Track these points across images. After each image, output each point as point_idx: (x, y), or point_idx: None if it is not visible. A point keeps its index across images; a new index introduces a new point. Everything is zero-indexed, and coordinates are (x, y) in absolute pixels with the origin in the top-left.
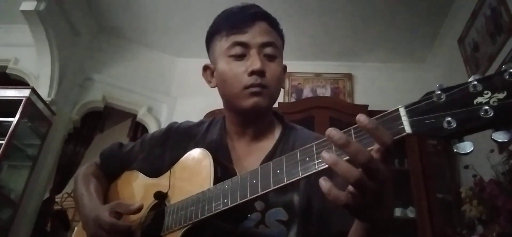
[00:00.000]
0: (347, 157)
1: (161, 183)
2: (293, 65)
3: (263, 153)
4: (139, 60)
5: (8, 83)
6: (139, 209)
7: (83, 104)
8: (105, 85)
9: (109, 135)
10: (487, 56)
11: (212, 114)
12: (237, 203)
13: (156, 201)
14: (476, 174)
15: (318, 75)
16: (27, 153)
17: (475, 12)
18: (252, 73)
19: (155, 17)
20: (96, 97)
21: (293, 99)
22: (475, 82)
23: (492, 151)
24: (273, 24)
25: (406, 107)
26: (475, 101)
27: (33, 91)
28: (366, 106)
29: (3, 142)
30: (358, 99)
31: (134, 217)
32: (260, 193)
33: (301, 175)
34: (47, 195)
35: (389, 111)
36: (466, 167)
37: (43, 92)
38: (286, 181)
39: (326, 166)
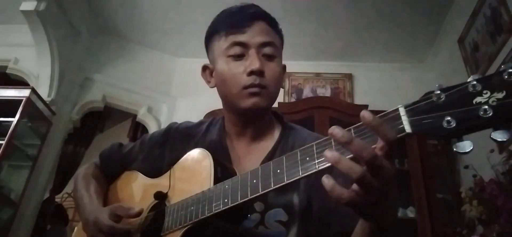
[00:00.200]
0: (350, 155)
1: (161, 183)
2: (293, 65)
3: (262, 153)
4: (139, 60)
5: (8, 83)
6: (138, 214)
7: (83, 104)
8: (105, 85)
9: (109, 135)
10: (487, 56)
11: (212, 115)
12: (237, 202)
13: (156, 201)
14: (476, 174)
15: (318, 75)
16: (27, 153)
17: (475, 12)
18: (251, 73)
19: (155, 17)
20: (96, 97)
21: (293, 99)
22: (474, 82)
23: (492, 151)
24: (272, 23)
25: (405, 107)
26: (474, 101)
27: (33, 91)
28: (366, 106)
29: (3, 142)
30: (358, 99)
31: (134, 218)
32: (261, 192)
33: (302, 174)
34: (47, 195)
35: (388, 111)
36: (466, 167)
37: (43, 92)
38: (287, 180)
39: (326, 166)
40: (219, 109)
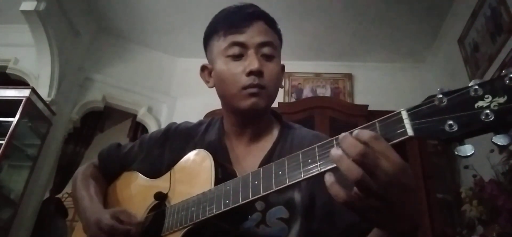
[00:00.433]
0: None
1: (161, 184)
2: (293, 65)
3: (262, 153)
4: (139, 60)
5: (8, 83)
6: (139, 224)
7: (83, 104)
8: (105, 85)
9: (109, 135)
10: (487, 56)
11: (212, 115)
12: (238, 204)
13: (156, 202)
14: (476, 174)
15: (318, 75)
16: (27, 153)
17: (475, 12)
18: (250, 73)
19: (155, 17)
20: (96, 97)
21: (293, 99)
22: (476, 87)
23: (492, 151)
24: (270, 23)
25: (408, 110)
26: (476, 105)
27: (33, 91)
28: (366, 106)
29: (3, 142)
30: (358, 99)
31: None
32: (262, 194)
33: (303, 176)
34: (47, 195)
35: (391, 114)
36: (466, 167)
37: (43, 92)
38: (288, 182)
39: (328, 168)
40: (219, 110)
